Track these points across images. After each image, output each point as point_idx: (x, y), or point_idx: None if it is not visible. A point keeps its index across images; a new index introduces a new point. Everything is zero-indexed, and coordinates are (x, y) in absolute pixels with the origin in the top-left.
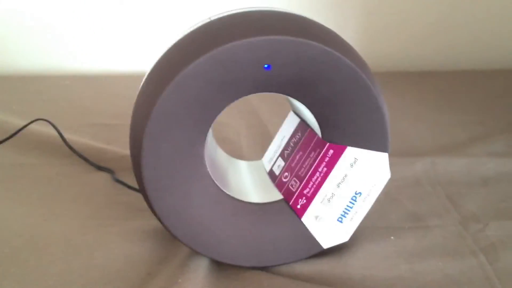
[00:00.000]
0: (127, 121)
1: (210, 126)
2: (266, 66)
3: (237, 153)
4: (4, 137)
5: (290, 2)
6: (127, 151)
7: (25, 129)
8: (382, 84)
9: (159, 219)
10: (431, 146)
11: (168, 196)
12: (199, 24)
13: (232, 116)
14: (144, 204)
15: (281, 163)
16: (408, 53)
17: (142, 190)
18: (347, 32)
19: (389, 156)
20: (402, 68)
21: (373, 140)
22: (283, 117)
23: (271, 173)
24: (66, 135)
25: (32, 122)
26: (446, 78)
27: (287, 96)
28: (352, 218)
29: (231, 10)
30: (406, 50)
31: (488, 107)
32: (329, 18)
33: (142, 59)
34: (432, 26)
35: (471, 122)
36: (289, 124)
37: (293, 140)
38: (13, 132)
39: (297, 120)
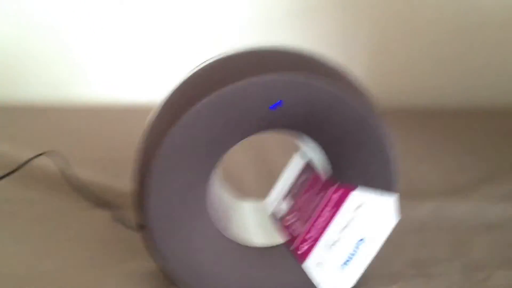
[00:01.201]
0: (127, 155)
1: (216, 165)
2: (272, 106)
3: (238, 190)
4: (8, 170)
5: (301, 38)
6: (128, 189)
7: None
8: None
9: (158, 263)
10: (436, 189)
11: (170, 238)
12: (208, 62)
13: (234, 151)
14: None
15: (284, 205)
16: (412, 92)
17: (143, 230)
18: (354, 68)
19: None
20: (405, 106)
21: (379, 184)
22: (287, 152)
23: (274, 216)
24: (70, 169)
25: (35, 157)
26: (452, 117)
27: (294, 138)
28: (356, 265)
29: (239, 49)
30: (411, 88)
31: (494, 149)
32: (337, 54)
33: (146, 93)
34: (438, 65)
35: (476, 164)
36: (294, 166)
37: (297, 183)
38: (16, 165)
39: (302, 162)
